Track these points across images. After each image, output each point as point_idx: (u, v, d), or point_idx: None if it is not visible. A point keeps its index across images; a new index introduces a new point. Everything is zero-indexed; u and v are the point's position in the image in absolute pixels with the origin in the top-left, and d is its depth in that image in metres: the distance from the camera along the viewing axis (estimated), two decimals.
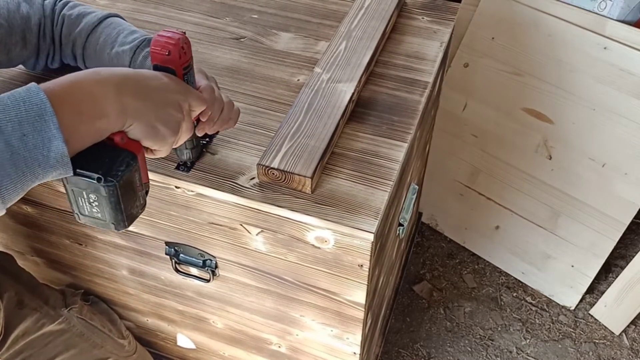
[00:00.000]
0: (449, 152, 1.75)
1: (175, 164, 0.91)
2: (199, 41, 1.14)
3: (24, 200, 1.13)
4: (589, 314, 1.71)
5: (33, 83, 0.57)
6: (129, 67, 0.90)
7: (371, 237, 0.83)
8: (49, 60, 0.98)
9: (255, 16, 1.19)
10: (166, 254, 1.07)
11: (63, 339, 1.17)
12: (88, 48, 0.94)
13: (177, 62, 0.70)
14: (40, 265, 1.35)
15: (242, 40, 1.14)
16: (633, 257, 1.60)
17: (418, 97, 1.03)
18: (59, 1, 0.96)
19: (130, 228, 1.06)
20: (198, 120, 0.77)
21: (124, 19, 0.98)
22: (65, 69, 0.99)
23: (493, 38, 1.58)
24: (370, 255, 0.87)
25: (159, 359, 1.53)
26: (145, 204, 0.72)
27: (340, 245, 0.87)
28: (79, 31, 0.94)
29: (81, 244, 1.19)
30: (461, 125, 1.69)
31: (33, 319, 1.12)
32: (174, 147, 0.71)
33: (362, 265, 0.89)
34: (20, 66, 0.98)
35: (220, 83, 1.05)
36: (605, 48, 1.43)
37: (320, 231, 0.87)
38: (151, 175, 0.91)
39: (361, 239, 0.84)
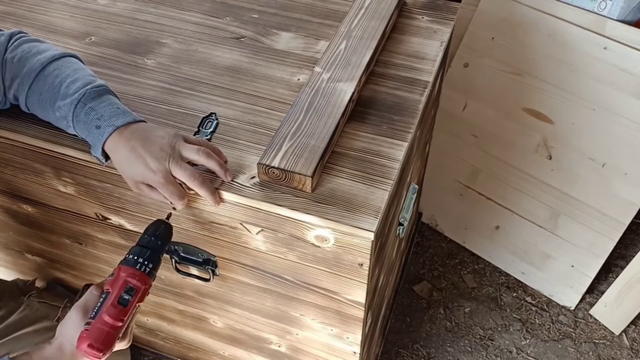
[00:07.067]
0: (449, 152, 1.75)
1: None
2: (200, 41, 1.14)
3: (25, 199, 1.13)
4: (589, 314, 1.71)
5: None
6: (72, 125, 0.87)
7: (371, 235, 0.83)
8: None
9: (256, 16, 1.19)
10: (166, 253, 1.07)
11: (28, 323, 1.21)
12: (31, 97, 0.91)
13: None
14: (41, 265, 1.35)
15: (242, 39, 1.14)
16: (633, 257, 1.60)
17: (418, 97, 1.03)
18: (13, 37, 0.92)
19: (131, 227, 1.06)
20: None
21: (77, 58, 0.94)
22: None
23: (493, 38, 1.58)
24: (371, 254, 0.87)
25: (159, 358, 1.53)
26: None
27: (341, 244, 0.87)
28: (22, 78, 0.90)
29: (81, 244, 1.19)
30: (461, 125, 1.69)
31: None
32: None
33: (362, 264, 0.89)
34: None
35: (220, 83, 1.06)
36: (605, 48, 1.43)
37: (320, 230, 0.87)
38: None
39: (361, 238, 0.84)
